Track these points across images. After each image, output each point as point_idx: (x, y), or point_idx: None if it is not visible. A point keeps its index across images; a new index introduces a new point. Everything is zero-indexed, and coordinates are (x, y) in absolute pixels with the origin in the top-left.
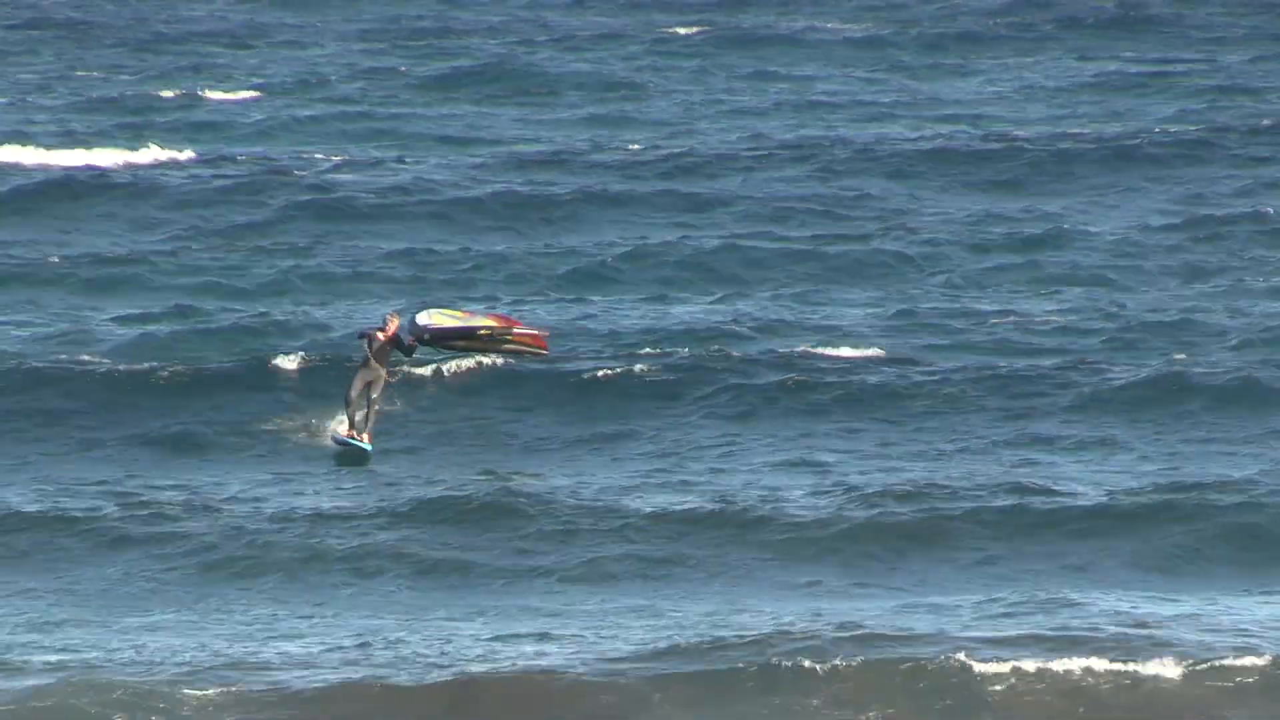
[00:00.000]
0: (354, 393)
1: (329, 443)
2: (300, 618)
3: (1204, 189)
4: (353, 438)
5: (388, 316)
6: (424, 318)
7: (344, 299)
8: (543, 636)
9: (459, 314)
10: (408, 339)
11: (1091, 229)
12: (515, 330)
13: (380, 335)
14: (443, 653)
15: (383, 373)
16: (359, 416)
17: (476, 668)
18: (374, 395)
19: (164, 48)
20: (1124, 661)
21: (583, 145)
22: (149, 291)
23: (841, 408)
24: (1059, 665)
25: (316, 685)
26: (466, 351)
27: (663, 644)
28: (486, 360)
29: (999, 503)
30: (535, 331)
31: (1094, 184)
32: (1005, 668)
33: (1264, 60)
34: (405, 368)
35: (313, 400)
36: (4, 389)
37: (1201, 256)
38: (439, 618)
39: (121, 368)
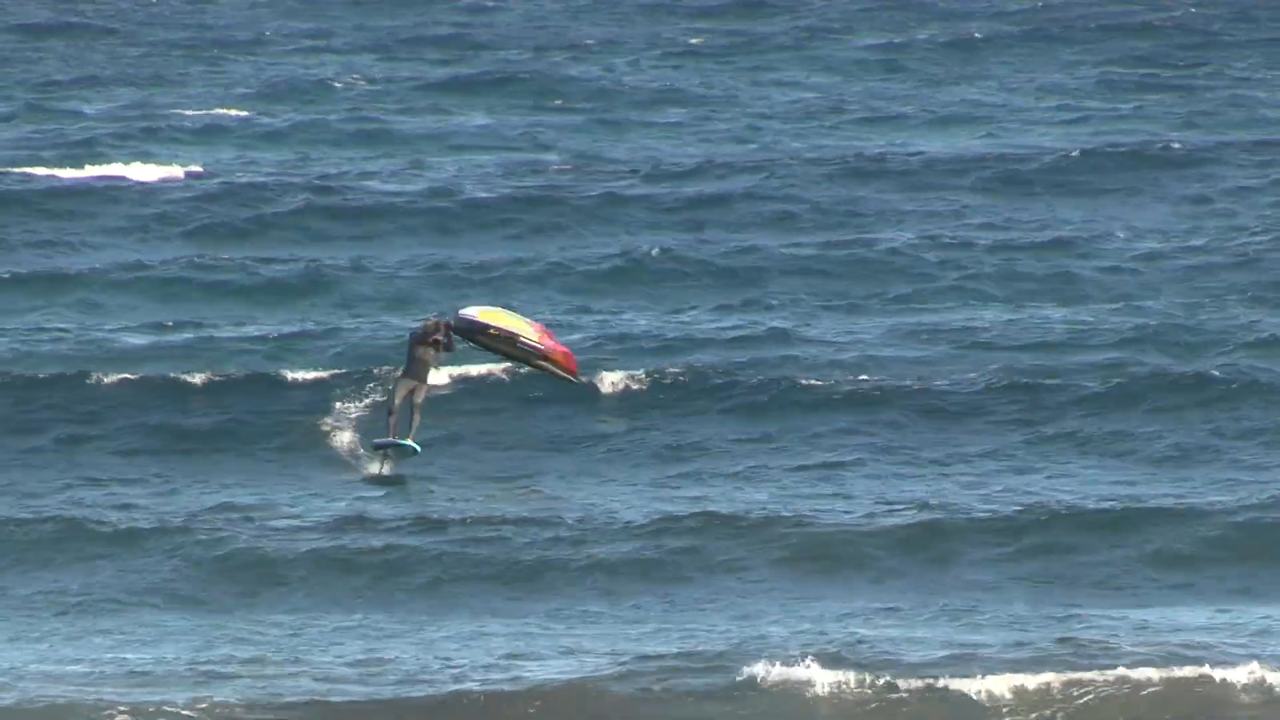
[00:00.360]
0: (397, 400)
1: (362, 451)
2: (313, 625)
3: (1222, 193)
4: (403, 439)
5: (426, 322)
6: (466, 311)
7: (367, 305)
8: (555, 645)
9: (501, 315)
10: (443, 325)
11: (1110, 233)
12: (521, 339)
13: (422, 339)
14: (457, 662)
15: (425, 379)
16: (402, 421)
17: (496, 676)
18: (417, 400)
19: (180, 53)
20: (1152, 671)
21: (598, 151)
22: (174, 298)
23: (858, 415)
24: (1080, 676)
25: (329, 695)
26: (496, 354)
27: (672, 652)
28: (500, 365)
29: (1019, 511)
30: (543, 345)
31: (1113, 188)
32: (1029, 681)
33: None
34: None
35: (333, 407)
36: (24, 393)
37: (1220, 259)
38: (453, 623)
39: (136, 375)
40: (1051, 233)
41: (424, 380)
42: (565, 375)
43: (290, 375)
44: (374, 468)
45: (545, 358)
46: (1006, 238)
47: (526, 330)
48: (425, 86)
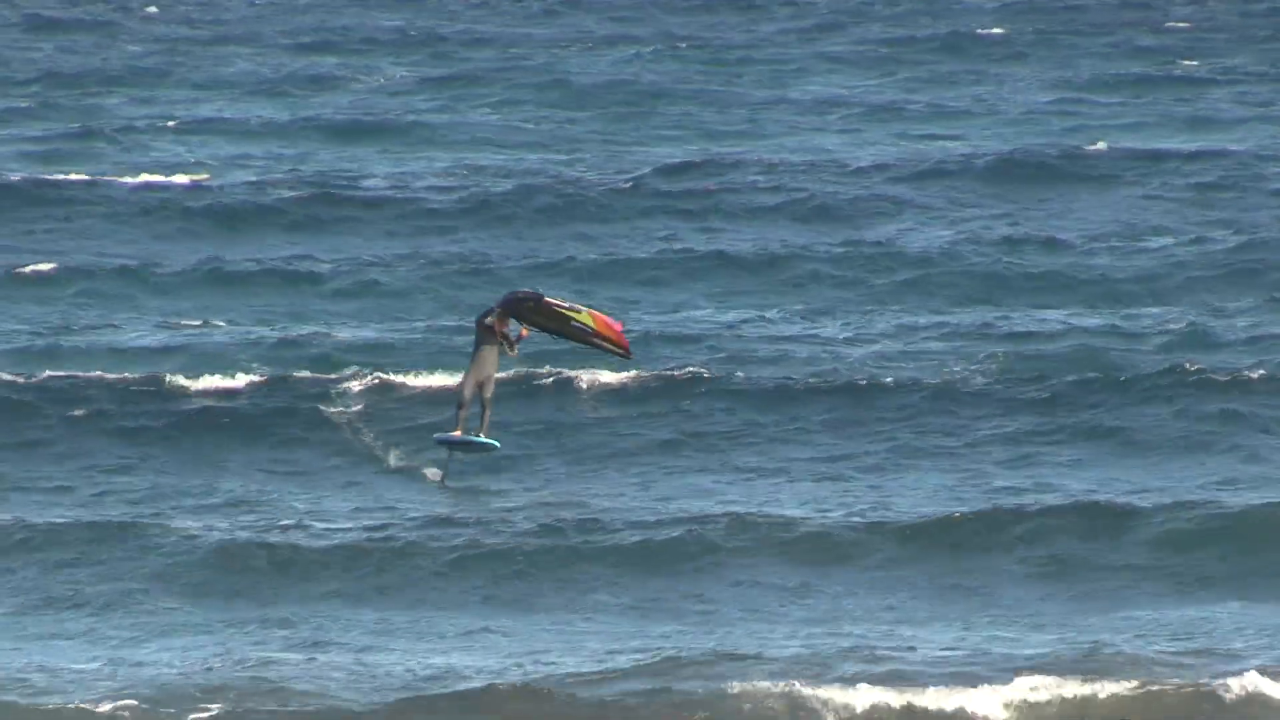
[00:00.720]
0: (467, 392)
1: (380, 447)
2: (326, 622)
3: (1229, 191)
4: (477, 435)
5: (497, 310)
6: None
7: (376, 302)
8: (563, 643)
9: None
10: (498, 309)
11: (1116, 229)
12: (545, 300)
13: (485, 329)
14: (465, 660)
15: (491, 370)
16: (473, 416)
17: (499, 674)
18: (486, 395)
19: (187, 48)
20: (1168, 676)
21: (608, 151)
22: (183, 295)
23: (867, 411)
24: (1090, 680)
25: (338, 694)
26: (544, 331)
27: (678, 651)
28: (507, 372)
29: (1028, 510)
30: (559, 306)
31: (1118, 185)
32: (1039, 686)
33: None
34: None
35: (343, 405)
36: (34, 392)
37: (1227, 257)
38: (462, 620)
39: (144, 373)
40: (1058, 228)
41: (491, 372)
42: (615, 349)
43: (300, 373)
44: (433, 471)
45: (575, 316)
46: (1011, 233)
47: (561, 302)
48: (431, 82)
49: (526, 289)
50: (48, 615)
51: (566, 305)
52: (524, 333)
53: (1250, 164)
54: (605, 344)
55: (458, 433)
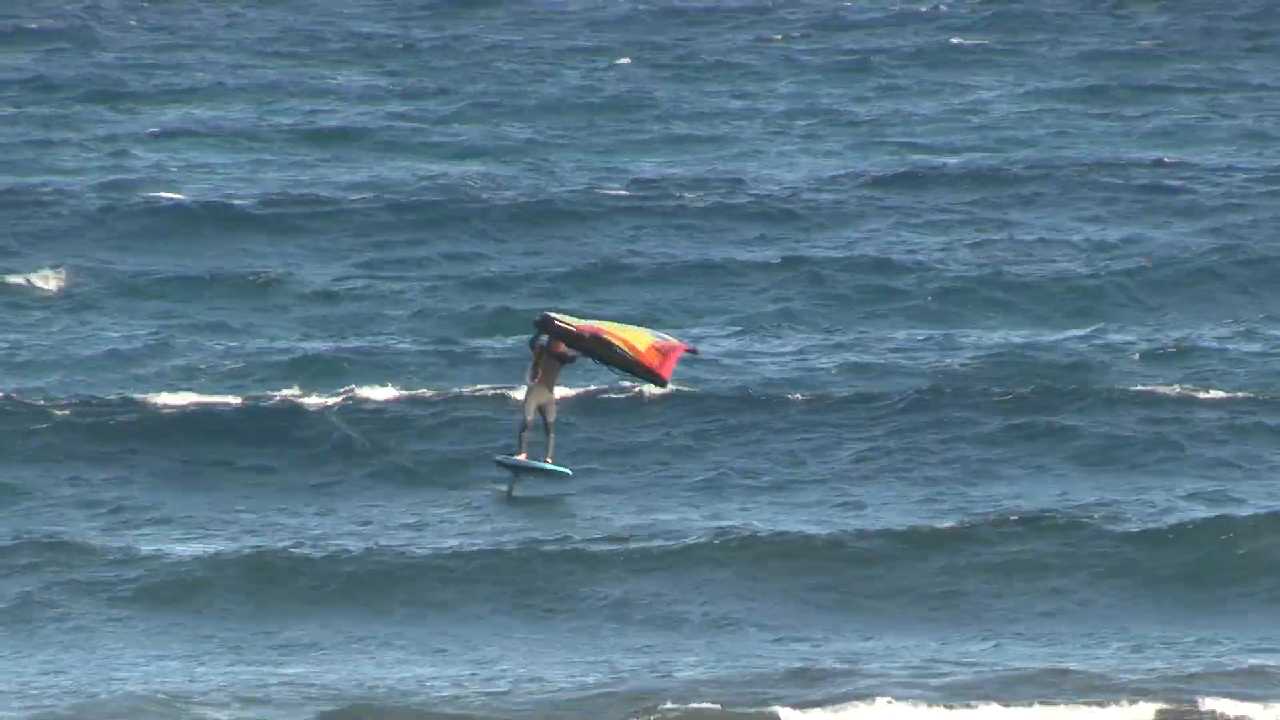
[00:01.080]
0: (529, 415)
1: (491, 469)
2: (312, 639)
3: (1209, 201)
4: (544, 460)
5: (542, 337)
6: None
7: (355, 313)
8: (556, 666)
9: (574, 322)
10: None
11: (1090, 246)
12: (557, 322)
13: (548, 348)
14: (443, 677)
15: (551, 390)
16: (539, 440)
17: (475, 691)
18: (549, 419)
19: (163, 60)
20: (1148, 702)
21: (581, 159)
22: (163, 307)
23: (848, 424)
24: (1067, 705)
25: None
26: (589, 356)
27: (637, 675)
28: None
29: (1008, 522)
30: (565, 324)
31: (1093, 199)
32: (1020, 712)
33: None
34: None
35: (332, 422)
36: (25, 408)
37: (1206, 274)
38: (441, 637)
39: (135, 385)
40: (1031, 237)
41: (551, 395)
42: (653, 379)
43: (275, 383)
44: (502, 487)
45: (601, 339)
46: (985, 240)
47: (570, 321)
48: (404, 90)
49: (547, 314)
50: (21, 631)
51: (574, 325)
52: (571, 357)
53: (1224, 173)
54: (643, 372)
55: (522, 456)
